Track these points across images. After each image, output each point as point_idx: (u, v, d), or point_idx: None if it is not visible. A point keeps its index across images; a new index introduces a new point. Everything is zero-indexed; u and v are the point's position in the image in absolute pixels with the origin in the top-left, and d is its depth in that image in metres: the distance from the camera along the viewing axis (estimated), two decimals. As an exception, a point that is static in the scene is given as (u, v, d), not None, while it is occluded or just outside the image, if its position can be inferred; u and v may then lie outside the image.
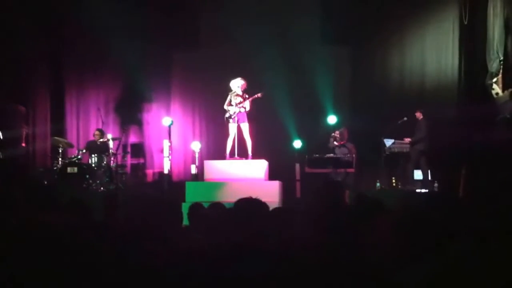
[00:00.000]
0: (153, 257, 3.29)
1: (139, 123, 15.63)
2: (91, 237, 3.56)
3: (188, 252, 3.22)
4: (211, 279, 2.98)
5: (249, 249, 2.99)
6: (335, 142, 13.06)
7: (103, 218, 4.73)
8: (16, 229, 3.77)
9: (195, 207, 5.45)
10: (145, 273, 3.19)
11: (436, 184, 12.34)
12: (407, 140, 12.66)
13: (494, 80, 11.97)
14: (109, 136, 13.67)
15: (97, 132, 13.53)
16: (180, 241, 3.63)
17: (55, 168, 12.92)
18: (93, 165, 12.79)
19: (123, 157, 14.27)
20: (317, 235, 3.80)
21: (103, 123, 14.33)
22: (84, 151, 13.19)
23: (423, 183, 12.39)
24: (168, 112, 15.21)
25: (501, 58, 11.74)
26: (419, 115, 12.58)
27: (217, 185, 11.45)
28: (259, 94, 12.08)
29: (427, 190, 12.01)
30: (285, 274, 3.07)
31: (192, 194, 11.20)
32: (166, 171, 13.73)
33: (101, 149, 13.14)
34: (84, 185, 12.53)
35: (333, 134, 13.16)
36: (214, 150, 14.76)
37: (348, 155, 12.62)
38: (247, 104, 12.05)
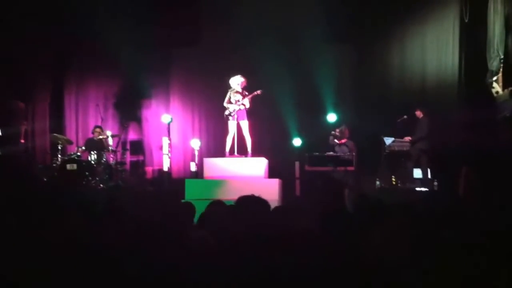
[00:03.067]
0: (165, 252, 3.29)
1: (138, 120, 15.60)
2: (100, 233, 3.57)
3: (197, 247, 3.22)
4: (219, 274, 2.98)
5: (254, 246, 2.99)
6: (335, 140, 13.04)
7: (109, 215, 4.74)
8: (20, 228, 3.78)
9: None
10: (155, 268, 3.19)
11: (436, 183, 12.32)
12: (408, 139, 12.65)
13: (495, 78, 11.95)
14: (109, 133, 13.65)
15: (98, 130, 13.47)
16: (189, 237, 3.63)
17: (54, 165, 12.91)
18: (93, 162, 12.77)
19: (123, 154, 14.24)
20: (318, 233, 3.79)
21: (102, 119, 14.30)
22: (83, 148, 13.18)
23: (423, 181, 12.38)
24: (167, 109, 15.19)
25: (502, 56, 11.71)
26: (419, 113, 12.58)
27: (216, 182, 11.44)
28: (258, 91, 12.06)
29: (427, 189, 12.00)
30: (287, 271, 3.07)
31: (192, 192, 11.19)
32: (165, 169, 13.73)
33: (99, 146, 13.11)
34: (84, 182, 12.51)
35: (333, 132, 13.14)
36: (213, 148, 14.75)
37: (349, 153, 12.60)
38: (246, 102, 12.04)
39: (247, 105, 12.07)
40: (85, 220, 4.30)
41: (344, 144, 12.95)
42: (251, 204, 3.77)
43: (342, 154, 12.60)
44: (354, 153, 12.54)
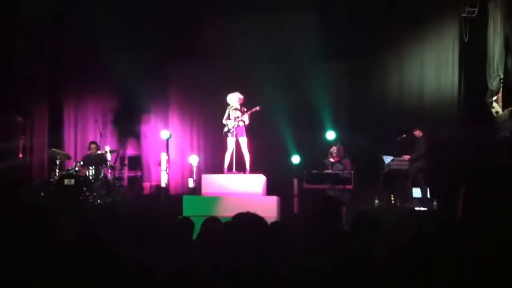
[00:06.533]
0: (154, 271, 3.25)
1: (137, 136, 15.56)
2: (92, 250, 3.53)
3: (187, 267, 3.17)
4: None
5: (247, 265, 2.95)
6: (331, 159, 13.03)
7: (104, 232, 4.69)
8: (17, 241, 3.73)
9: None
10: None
11: (435, 202, 12.27)
12: (406, 157, 12.61)
13: (494, 98, 11.96)
14: (107, 148, 13.62)
15: (93, 146, 13.46)
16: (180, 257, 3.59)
17: (52, 180, 12.87)
18: (90, 177, 12.74)
19: (121, 169, 14.18)
20: (313, 251, 3.75)
21: (101, 135, 14.29)
22: (81, 163, 13.16)
23: (422, 201, 12.32)
24: (166, 125, 15.16)
25: (501, 76, 11.73)
26: (418, 133, 12.53)
27: (214, 199, 11.37)
28: (257, 107, 12.03)
29: (425, 208, 11.95)
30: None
31: (189, 208, 11.12)
32: (163, 185, 13.67)
33: (97, 161, 13.08)
34: (81, 198, 12.48)
35: (331, 150, 13.12)
36: (212, 164, 14.69)
37: (346, 171, 12.58)
38: (246, 118, 12.00)
39: (247, 121, 12.03)
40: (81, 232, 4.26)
41: (338, 162, 12.94)
42: (247, 221, 3.73)
43: (340, 172, 12.58)
44: (352, 172, 12.51)
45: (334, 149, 13.08)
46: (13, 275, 3.26)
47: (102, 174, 12.90)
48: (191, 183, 13.88)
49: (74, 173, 12.81)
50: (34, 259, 3.41)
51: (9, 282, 3.22)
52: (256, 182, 11.86)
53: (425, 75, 14.21)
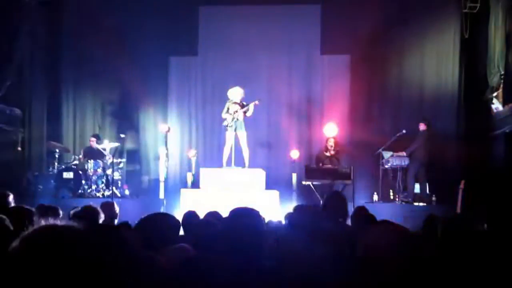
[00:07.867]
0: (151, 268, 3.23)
1: (135, 129, 15.50)
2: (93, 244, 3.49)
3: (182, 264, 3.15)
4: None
5: (246, 264, 2.93)
6: (326, 153, 13.04)
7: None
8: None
9: (190, 215, 5.35)
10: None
11: (434, 198, 12.25)
12: (402, 153, 12.51)
13: (494, 94, 11.94)
14: (106, 141, 13.59)
15: (92, 139, 13.45)
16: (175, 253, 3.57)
17: (50, 173, 12.84)
18: (89, 170, 12.72)
19: (119, 163, 14.15)
20: (317, 247, 3.72)
21: (99, 128, 14.24)
22: (80, 156, 13.14)
23: (421, 196, 12.30)
24: (165, 119, 15.10)
25: (502, 72, 11.69)
26: (423, 126, 12.38)
27: (213, 193, 11.36)
28: (256, 101, 12.02)
29: (424, 204, 11.95)
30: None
31: (187, 202, 11.11)
32: (162, 178, 13.65)
33: (97, 154, 13.07)
34: (80, 191, 12.47)
35: (328, 143, 13.13)
36: (210, 158, 14.66)
37: (346, 167, 12.58)
38: (251, 108, 11.98)
39: (248, 114, 12.00)
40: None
41: (334, 156, 12.95)
42: (244, 215, 3.70)
43: (337, 167, 12.61)
44: (352, 166, 12.50)
45: (331, 141, 13.09)
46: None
47: (101, 167, 12.88)
48: (189, 177, 13.86)
49: (73, 166, 12.80)
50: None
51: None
52: (255, 177, 11.86)
53: (425, 71, 14.16)
